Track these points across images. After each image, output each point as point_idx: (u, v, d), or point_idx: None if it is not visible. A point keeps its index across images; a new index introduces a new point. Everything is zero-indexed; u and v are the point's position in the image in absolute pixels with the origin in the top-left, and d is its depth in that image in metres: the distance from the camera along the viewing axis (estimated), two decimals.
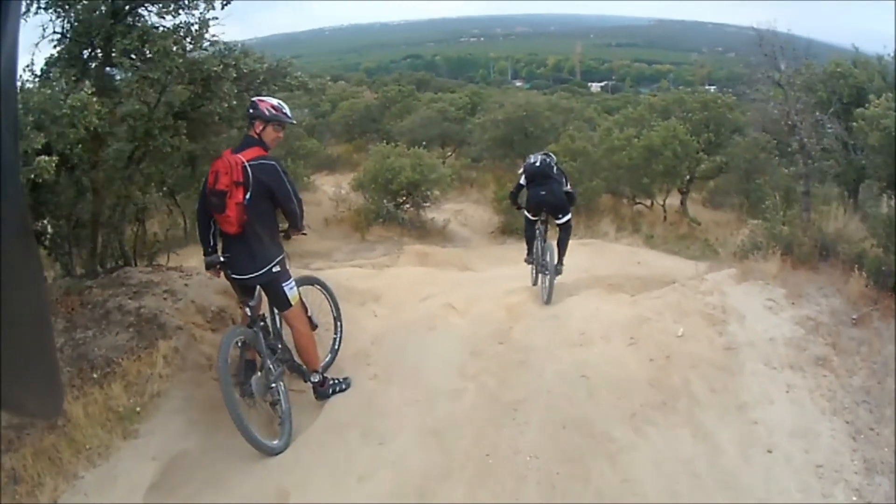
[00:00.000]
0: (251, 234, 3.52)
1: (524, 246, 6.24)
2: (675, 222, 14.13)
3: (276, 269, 3.62)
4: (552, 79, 58.21)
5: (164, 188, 5.92)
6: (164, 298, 4.41)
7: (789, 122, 4.99)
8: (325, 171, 24.09)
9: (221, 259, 3.62)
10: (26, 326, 0.67)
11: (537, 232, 5.91)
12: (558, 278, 5.55)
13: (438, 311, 4.96)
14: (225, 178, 3.43)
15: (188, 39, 4.23)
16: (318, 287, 4.41)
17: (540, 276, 5.75)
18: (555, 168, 5.87)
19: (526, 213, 6.00)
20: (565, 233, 6.02)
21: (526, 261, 6.20)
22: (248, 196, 3.45)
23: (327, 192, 15.81)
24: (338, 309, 4.46)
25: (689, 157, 12.71)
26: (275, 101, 3.64)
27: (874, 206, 5.50)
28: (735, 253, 5.65)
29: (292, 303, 3.69)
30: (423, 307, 5.21)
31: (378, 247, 11.31)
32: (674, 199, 14.88)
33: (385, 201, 12.37)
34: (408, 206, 12.70)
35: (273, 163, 3.55)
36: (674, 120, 13.08)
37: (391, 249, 11.05)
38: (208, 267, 3.71)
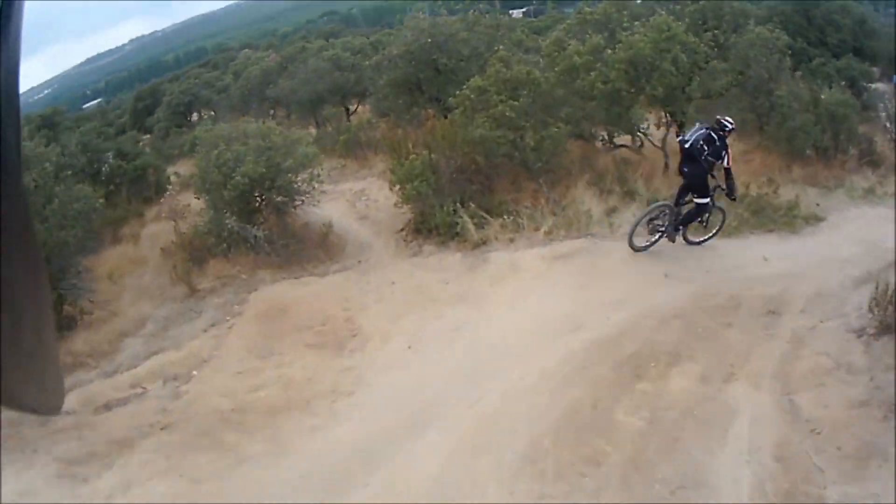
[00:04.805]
0: None
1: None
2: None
3: None
4: (472, 10, 52.88)
5: None
6: None
7: None
8: None
9: None
10: (27, 321, 0.66)
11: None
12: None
13: None
14: None
15: None
16: None
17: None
18: (707, 150, 6.09)
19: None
20: (694, 211, 6.35)
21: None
22: None
23: (181, 199, 10.71)
24: None
25: (697, 67, 8.12)
26: None
27: None
28: None
29: None
30: None
31: (212, 301, 6.45)
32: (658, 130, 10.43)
33: (227, 215, 7.42)
34: (267, 212, 7.80)
35: None
36: (665, 15, 8.36)
37: (230, 305, 6.27)
38: None
